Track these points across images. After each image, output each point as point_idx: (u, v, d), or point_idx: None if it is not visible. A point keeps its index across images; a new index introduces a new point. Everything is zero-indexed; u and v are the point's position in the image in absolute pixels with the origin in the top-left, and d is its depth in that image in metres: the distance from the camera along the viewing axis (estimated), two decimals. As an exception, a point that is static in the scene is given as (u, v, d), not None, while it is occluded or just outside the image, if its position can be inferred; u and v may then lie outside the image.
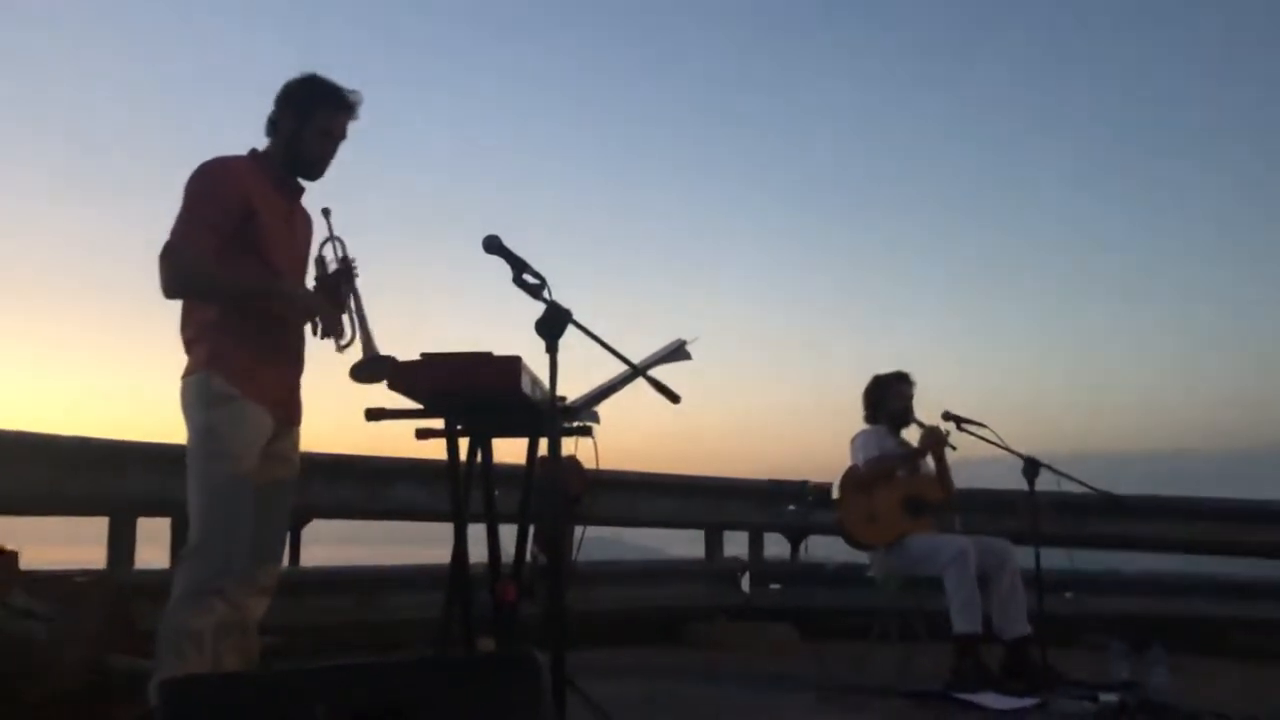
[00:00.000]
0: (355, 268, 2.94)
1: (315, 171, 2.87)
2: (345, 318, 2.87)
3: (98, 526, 4.65)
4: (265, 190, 2.79)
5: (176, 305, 2.78)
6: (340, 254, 2.95)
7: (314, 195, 2.95)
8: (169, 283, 2.67)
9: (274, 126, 2.84)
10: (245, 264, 2.72)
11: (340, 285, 2.92)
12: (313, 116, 2.80)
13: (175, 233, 2.67)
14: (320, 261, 2.97)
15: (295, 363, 2.90)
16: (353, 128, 2.89)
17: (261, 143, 2.87)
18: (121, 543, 4.59)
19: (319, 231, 2.98)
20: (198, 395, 2.69)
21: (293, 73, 2.87)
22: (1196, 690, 4.24)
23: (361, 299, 2.89)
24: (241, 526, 2.66)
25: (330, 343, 2.85)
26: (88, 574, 4.14)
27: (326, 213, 2.95)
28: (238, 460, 2.67)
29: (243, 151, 2.85)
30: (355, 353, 2.83)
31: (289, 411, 2.87)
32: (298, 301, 2.83)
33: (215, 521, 2.64)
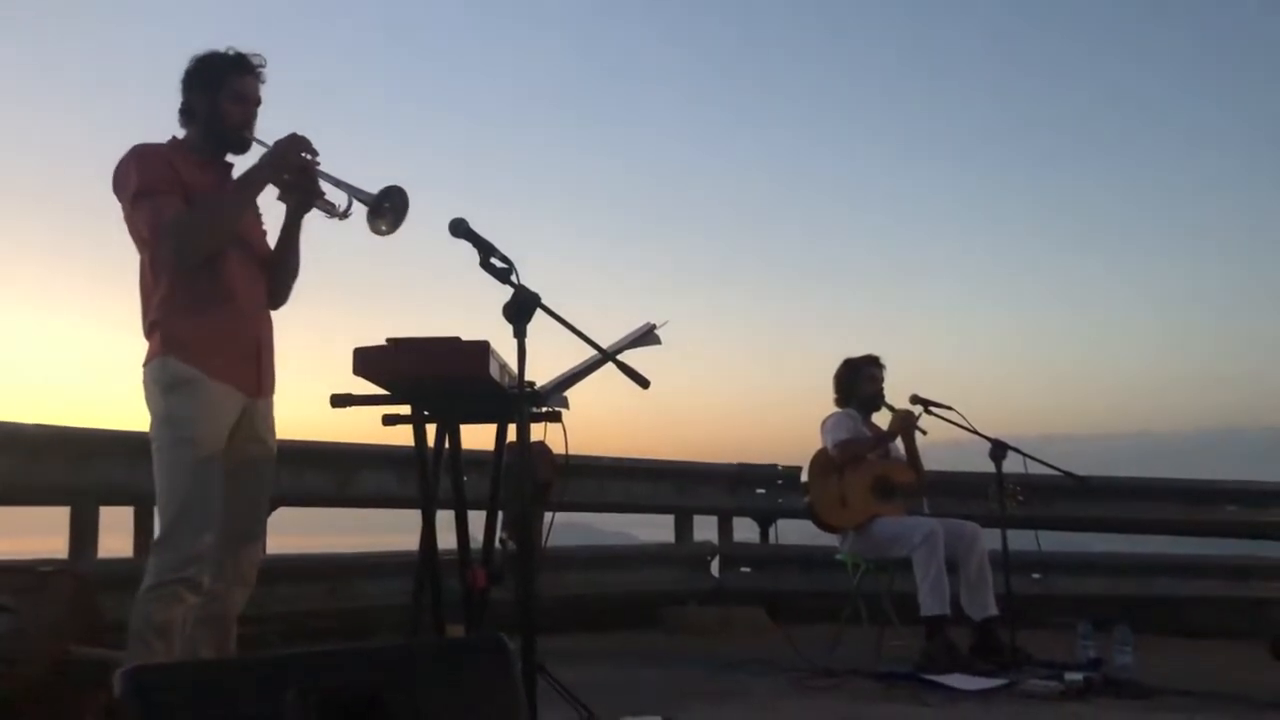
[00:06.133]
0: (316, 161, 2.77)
1: (241, 140, 2.80)
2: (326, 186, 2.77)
3: (59, 516, 4.60)
4: (193, 172, 2.73)
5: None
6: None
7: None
8: (180, 252, 2.61)
9: (189, 112, 2.79)
10: None
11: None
12: (222, 85, 2.75)
13: (146, 213, 2.63)
14: None
15: (258, 327, 2.82)
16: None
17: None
18: (84, 532, 4.54)
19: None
20: (156, 381, 2.64)
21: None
22: (1161, 668, 4.30)
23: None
24: (209, 514, 2.60)
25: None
26: (50, 564, 4.09)
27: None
28: (201, 445, 2.60)
29: (163, 139, 2.80)
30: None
31: (259, 381, 2.78)
32: (275, 159, 2.72)
33: (181, 510, 2.57)
